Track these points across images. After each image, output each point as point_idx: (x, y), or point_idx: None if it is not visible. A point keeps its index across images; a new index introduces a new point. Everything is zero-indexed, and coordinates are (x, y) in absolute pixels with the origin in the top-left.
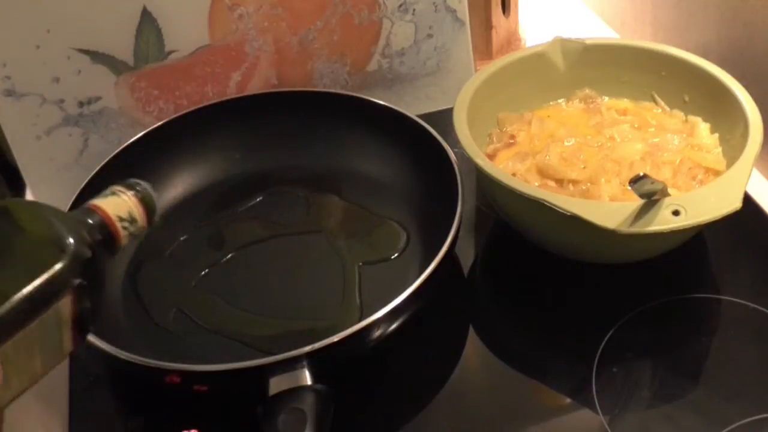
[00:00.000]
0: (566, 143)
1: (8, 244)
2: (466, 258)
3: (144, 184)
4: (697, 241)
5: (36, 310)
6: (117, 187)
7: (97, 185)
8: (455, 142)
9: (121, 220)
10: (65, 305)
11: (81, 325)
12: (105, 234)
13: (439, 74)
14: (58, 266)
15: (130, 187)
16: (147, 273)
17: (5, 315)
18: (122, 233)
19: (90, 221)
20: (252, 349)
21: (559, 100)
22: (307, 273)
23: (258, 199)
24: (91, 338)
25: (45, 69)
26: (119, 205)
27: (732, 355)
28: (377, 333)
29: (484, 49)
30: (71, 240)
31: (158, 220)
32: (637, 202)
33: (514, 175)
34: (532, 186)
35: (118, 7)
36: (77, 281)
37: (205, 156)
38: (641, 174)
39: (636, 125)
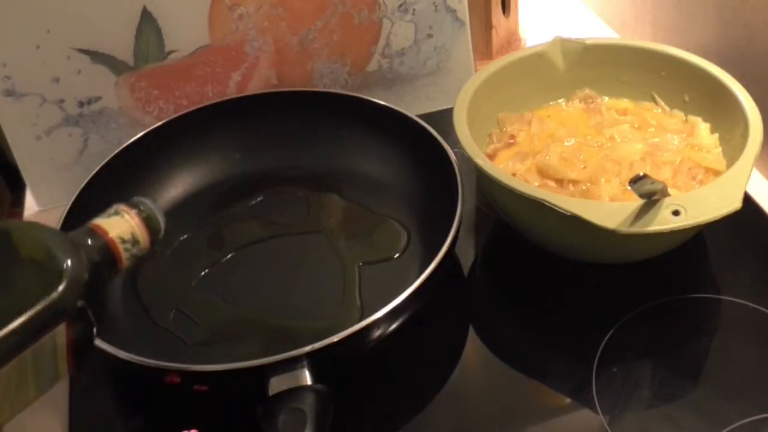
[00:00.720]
0: (566, 143)
1: (2, 269)
2: (466, 258)
3: (148, 203)
4: (697, 241)
5: (29, 340)
6: (121, 206)
7: (97, 185)
8: (455, 142)
9: (123, 241)
10: (60, 332)
11: (78, 350)
12: (106, 256)
13: (439, 74)
14: (53, 295)
15: (134, 206)
16: (147, 273)
17: None
18: (123, 255)
19: (90, 242)
20: (252, 348)
21: (559, 100)
22: (307, 273)
23: (258, 199)
24: None
25: (45, 69)
26: (121, 225)
27: (732, 355)
28: (377, 333)
29: (484, 49)
30: (68, 264)
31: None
32: (637, 202)
33: (514, 175)
34: (532, 186)
35: (118, 7)
36: (74, 307)
37: (205, 156)
38: (641, 174)
39: (636, 125)
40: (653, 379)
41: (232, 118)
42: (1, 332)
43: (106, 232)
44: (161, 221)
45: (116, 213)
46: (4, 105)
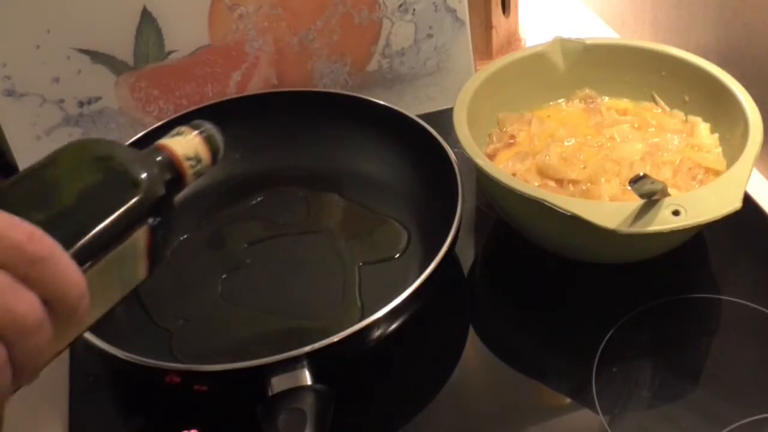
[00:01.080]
0: (566, 143)
1: (86, 180)
2: (466, 258)
3: (208, 125)
4: (697, 241)
5: (116, 240)
6: (183, 127)
7: None
8: (455, 142)
9: (188, 159)
10: (141, 236)
11: (154, 256)
12: (172, 172)
13: (439, 74)
14: (135, 200)
15: (195, 128)
16: None
17: (89, 244)
18: (188, 172)
19: (158, 159)
20: (252, 348)
21: (559, 100)
22: (307, 273)
23: (258, 199)
24: (91, 338)
25: (45, 69)
26: (185, 144)
27: (732, 355)
28: (377, 333)
29: (484, 49)
30: (145, 176)
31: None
32: (637, 202)
33: (514, 175)
34: (532, 186)
35: (118, 7)
36: (151, 214)
37: None
38: (641, 174)
39: (636, 125)
40: (653, 379)
41: (232, 118)
42: (92, 234)
43: (172, 151)
44: (220, 141)
45: (179, 133)
46: (4, 105)
